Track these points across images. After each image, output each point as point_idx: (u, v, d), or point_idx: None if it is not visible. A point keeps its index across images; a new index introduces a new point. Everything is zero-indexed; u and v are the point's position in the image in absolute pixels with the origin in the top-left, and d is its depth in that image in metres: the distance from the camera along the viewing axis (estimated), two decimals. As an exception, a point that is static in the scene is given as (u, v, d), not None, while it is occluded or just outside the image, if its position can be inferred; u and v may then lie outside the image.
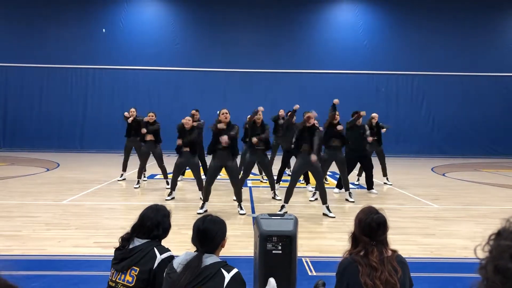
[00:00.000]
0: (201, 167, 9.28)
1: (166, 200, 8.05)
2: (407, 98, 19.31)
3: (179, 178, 8.90)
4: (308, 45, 19.01)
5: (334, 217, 6.91)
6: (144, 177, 10.33)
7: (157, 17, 19.16)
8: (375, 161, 9.62)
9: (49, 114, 18.51)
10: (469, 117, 19.00)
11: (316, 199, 8.22)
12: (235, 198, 7.48)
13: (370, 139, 8.94)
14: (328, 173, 10.96)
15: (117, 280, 2.56)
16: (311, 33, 19.11)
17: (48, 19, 18.44)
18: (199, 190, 8.09)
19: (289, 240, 3.19)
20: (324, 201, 7.03)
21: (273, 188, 8.47)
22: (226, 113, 7.06)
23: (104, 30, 18.74)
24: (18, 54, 18.29)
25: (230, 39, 18.83)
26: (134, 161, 10.77)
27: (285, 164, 9.46)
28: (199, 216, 2.59)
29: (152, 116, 9.45)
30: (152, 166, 11.54)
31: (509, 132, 18.94)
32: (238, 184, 7.17)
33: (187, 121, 7.96)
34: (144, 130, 9.29)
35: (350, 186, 8.87)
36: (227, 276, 2.23)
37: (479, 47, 19.07)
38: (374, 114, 9.99)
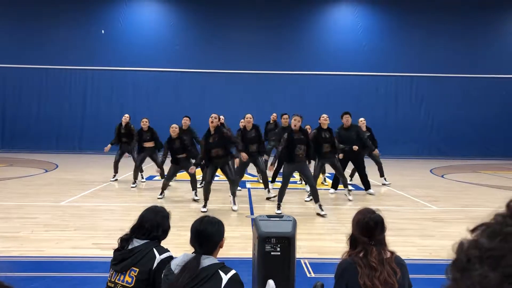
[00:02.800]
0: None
1: (158, 198, 8.25)
2: (406, 99, 19.32)
3: (169, 183, 8.85)
4: (308, 46, 19.01)
5: (325, 215, 7.00)
6: (142, 178, 10.39)
7: (157, 18, 19.15)
8: (370, 162, 9.67)
9: (47, 115, 18.47)
10: (468, 118, 19.01)
11: (311, 199, 8.23)
12: (230, 194, 7.75)
13: (355, 147, 8.69)
14: (327, 174, 10.96)
15: (116, 281, 2.55)
16: (311, 35, 19.12)
17: (47, 20, 18.41)
18: (192, 190, 8.37)
19: (287, 242, 3.19)
20: (316, 199, 7.09)
21: (266, 187, 8.58)
22: (215, 118, 7.27)
23: (103, 31, 18.72)
24: (17, 55, 18.25)
25: (229, 41, 18.83)
26: (132, 163, 10.78)
27: (280, 164, 9.51)
28: (200, 215, 2.59)
29: (146, 122, 9.55)
30: (151, 167, 11.52)
31: (508, 133, 18.95)
32: (234, 181, 7.48)
33: (174, 129, 8.27)
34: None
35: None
36: (225, 278, 2.23)
37: (478, 49, 19.09)
38: (361, 119, 10.01)
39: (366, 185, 9.16)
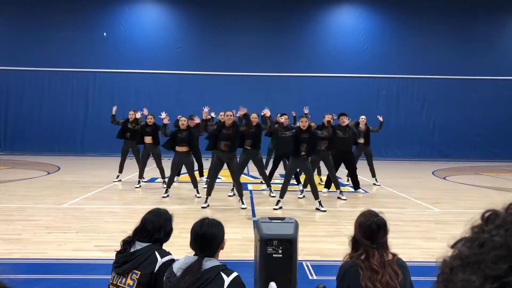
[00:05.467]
0: (197, 172, 9.90)
1: (163, 197, 8.45)
2: (408, 101, 19.29)
3: (175, 179, 9.39)
4: (309, 48, 19.01)
5: (325, 211, 7.43)
6: (138, 183, 10.43)
7: (158, 20, 19.18)
8: (363, 163, 9.80)
9: (49, 118, 18.48)
10: (469, 120, 18.96)
11: (304, 196, 8.68)
12: (230, 194, 8.44)
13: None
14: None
15: (118, 284, 2.56)
16: (312, 37, 19.13)
17: (49, 22, 18.45)
18: (194, 187, 8.75)
19: (289, 244, 3.18)
20: (315, 196, 7.55)
21: (268, 185, 9.01)
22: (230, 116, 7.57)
23: (105, 33, 18.75)
24: (19, 58, 18.27)
25: (231, 43, 18.85)
26: (133, 164, 10.80)
27: (275, 166, 9.60)
28: (201, 216, 2.58)
29: (151, 118, 9.77)
30: (152, 169, 11.53)
31: (509, 135, 18.90)
32: (238, 180, 7.76)
33: (183, 122, 8.59)
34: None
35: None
36: (227, 280, 2.23)
37: (479, 51, 19.06)
38: (362, 117, 10.37)
39: (355, 185, 9.56)
